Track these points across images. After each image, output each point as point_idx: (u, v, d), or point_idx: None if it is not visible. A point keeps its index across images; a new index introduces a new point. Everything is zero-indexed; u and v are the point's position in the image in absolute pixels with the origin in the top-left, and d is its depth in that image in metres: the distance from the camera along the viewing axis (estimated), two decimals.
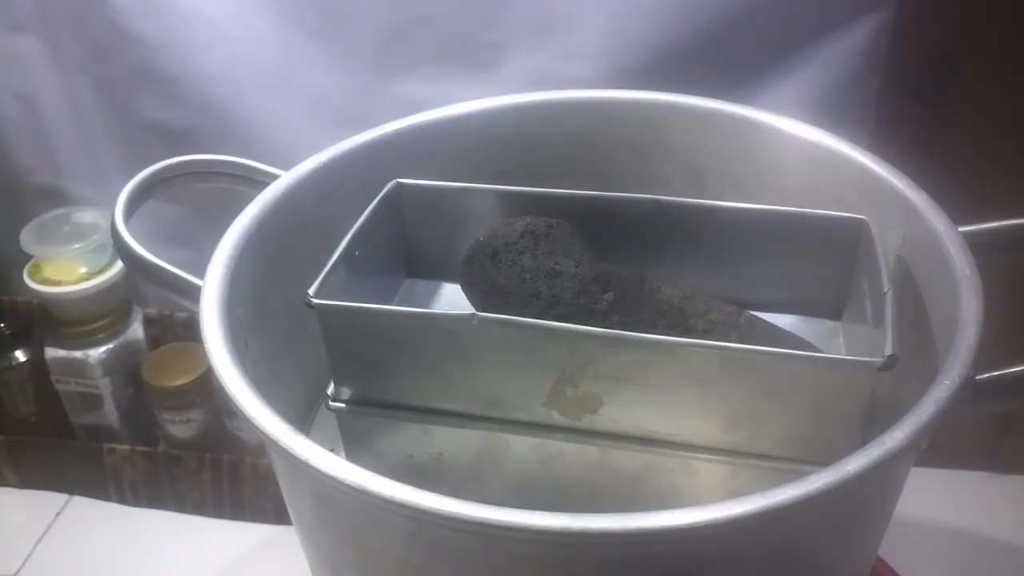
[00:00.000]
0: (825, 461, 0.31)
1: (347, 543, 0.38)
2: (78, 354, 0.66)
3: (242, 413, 0.35)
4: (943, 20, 0.60)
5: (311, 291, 0.39)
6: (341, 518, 0.37)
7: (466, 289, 0.43)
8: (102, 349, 0.67)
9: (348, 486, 0.32)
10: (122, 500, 0.67)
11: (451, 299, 0.49)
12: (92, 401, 0.68)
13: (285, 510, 0.43)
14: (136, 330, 0.69)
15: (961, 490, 0.65)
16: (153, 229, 0.69)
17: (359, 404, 0.42)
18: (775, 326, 0.43)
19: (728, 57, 0.62)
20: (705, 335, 0.40)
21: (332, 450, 0.33)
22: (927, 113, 0.63)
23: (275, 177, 0.49)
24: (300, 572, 0.45)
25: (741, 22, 0.61)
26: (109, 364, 0.67)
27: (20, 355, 0.69)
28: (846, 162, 0.47)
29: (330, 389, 0.42)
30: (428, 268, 0.50)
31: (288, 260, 0.45)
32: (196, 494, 0.66)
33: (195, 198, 0.68)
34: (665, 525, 0.29)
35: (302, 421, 0.49)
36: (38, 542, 0.65)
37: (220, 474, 0.65)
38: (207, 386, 0.67)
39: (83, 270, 0.65)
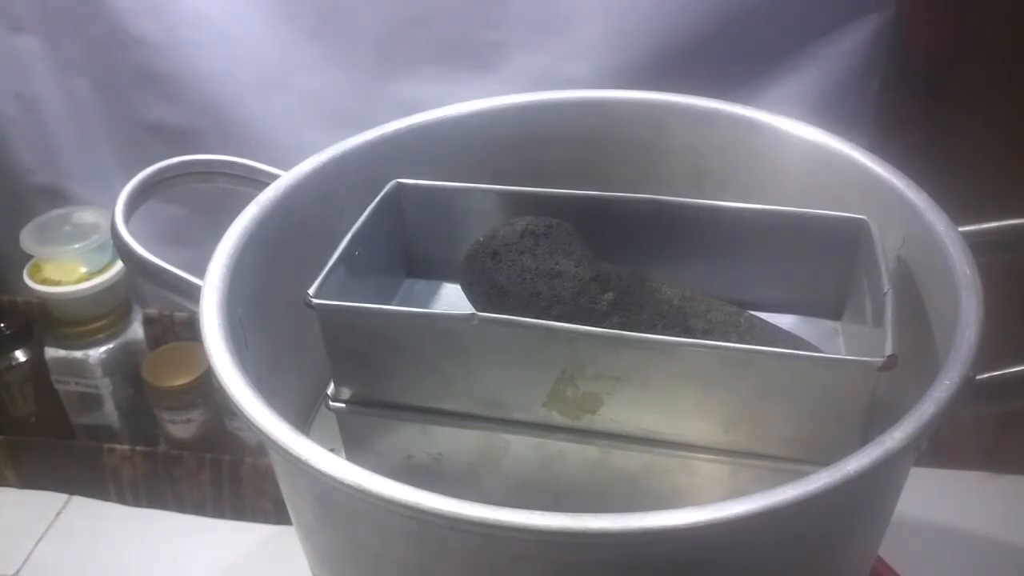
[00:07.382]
0: (825, 461, 0.31)
1: (347, 543, 0.38)
2: (78, 354, 0.66)
3: (242, 413, 0.35)
4: (943, 20, 0.60)
5: (311, 291, 0.39)
6: (341, 518, 0.37)
7: (466, 289, 0.43)
8: (102, 349, 0.67)
9: (348, 486, 0.32)
10: (122, 500, 0.67)
11: (451, 299, 0.49)
12: (92, 401, 0.68)
13: (285, 510, 0.43)
14: (136, 330, 0.69)
15: (961, 490, 0.64)
16: (153, 229, 0.70)
17: (359, 404, 0.42)
18: (775, 326, 0.43)
19: (728, 57, 0.62)
20: (705, 335, 0.40)
21: (332, 450, 0.33)
22: (927, 113, 0.63)
23: (275, 177, 0.48)
24: (300, 572, 0.45)
25: (741, 22, 0.61)
26: (109, 364, 0.67)
27: (20, 355, 0.69)
28: (846, 162, 0.47)
29: (330, 389, 0.42)
30: (428, 268, 0.50)
31: (288, 260, 0.45)
32: (196, 494, 0.66)
33: (195, 198, 0.68)
34: (665, 525, 0.29)
35: (302, 421, 0.49)
36: (38, 542, 0.65)
37: (220, 474, 0.65)
38: (207, 386, 0.67)
39: (83, 270, 0.65)
